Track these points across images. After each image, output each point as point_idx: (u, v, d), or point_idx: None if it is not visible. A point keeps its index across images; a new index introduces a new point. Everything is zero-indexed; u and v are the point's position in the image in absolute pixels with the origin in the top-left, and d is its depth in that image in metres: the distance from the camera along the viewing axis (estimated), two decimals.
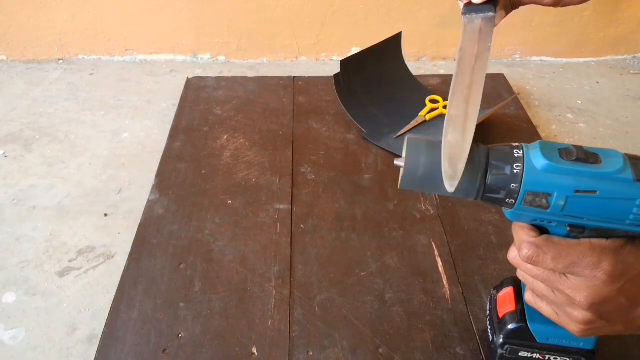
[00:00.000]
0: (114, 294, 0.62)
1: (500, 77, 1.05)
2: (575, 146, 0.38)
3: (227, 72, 1.14)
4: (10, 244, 0.73)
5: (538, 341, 0.48)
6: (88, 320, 0.63)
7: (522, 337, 0.48)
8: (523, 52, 1.19)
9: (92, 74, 1.14)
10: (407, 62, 0.96)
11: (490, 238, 0.69)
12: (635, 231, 0.38)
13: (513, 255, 0.42)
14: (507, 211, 0.40)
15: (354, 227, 0.71)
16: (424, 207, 0.73)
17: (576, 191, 0.37)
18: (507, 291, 0.51)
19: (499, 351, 0.50)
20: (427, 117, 0.90)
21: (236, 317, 0.59)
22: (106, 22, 1.14)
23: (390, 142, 0.85)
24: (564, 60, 1.20)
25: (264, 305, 0.60)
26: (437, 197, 0.75)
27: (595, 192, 0.37)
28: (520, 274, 0.44)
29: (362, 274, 0.64)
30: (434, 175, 0.39)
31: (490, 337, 0.51)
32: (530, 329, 0.47)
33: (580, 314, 0.40)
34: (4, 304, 0.65)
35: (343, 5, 1.12)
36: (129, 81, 1.12)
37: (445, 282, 0.63)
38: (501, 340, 0.49)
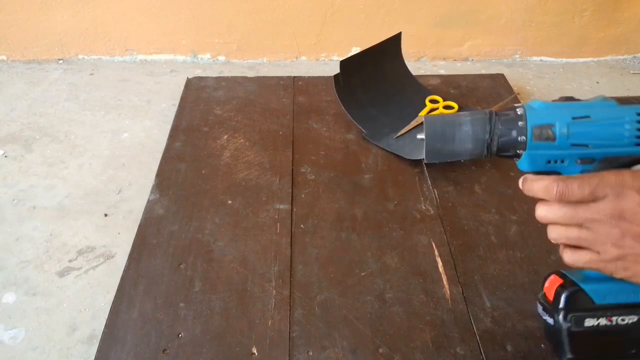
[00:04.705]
0: (114, 294, 0.62)
1: (500, 77, 1.05)
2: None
3: (227, 72, 1.14)
4: (10, 244, 0.73)
5: (597, 302, 0.46)
6: (88, 320, 0.63)
7: (579, 302, 0.46)
8: (523, 52, 1.19)
9: (92, 74, 1.14)
10: (407, 62, 0.96)
11: (490, 238, 0.69)
12: (636, 152, 0.43)
13: (543, 212, 0.44)
14: (522, 158, 0.44)
15: (354, 227, 0.71)
16: (424, 207, 0.73)
17: (573, 118, 0.42)
18: (551, 279, 0.49)
19: (565, 325, 0.46)
20: None
21: (236, 317, 0.59)
22: (106, 22, 1.14)
23: (390, 142, 0.85)
24: (564, 60, 1.20)
25: (264, 305, 0.60)
26: (437, 197, 0.75)
27: (589, 116, 0.42)
28: (552, 230, 0.45)
29: (362, 274, 0.64)
30: (457, 148, 0.45)
31: (552, 322, 0.48)
32: (585, 290, 0.46)
33: (616, 232, 0.41)
34: (4, 304, 0.65)
35: (343, 6, 1.12)
36: (129, 81, 1.12)
37: (445, 282, 0.63)
38: (562, 313, 0.46)
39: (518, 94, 1.03)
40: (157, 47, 1.18)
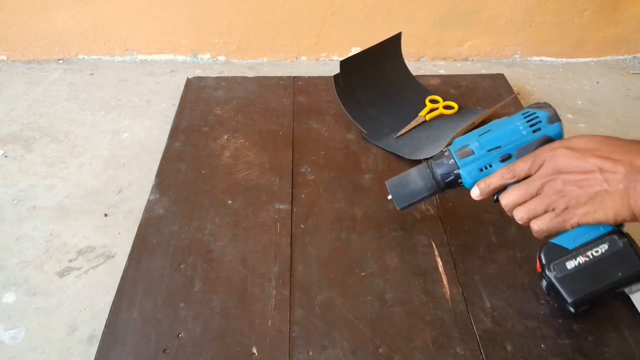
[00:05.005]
0: (114, 294, 0.62)
1: (500, 77, 1.05)
2: None
3: (227, 72, 1.14)
4: (10, 244, 0.73)
5: (570, 248, 0.54)
6: (88, 320, 0.63)
7: (556, 253, 0.54)
8: (523, 52, 1.19)
9: (92, 74, 1.14)
10: (407, 62, 0.97)
11: (490, 238, 0.68)
12: (538, 137, 0.56)
13: (506, 198, 0.54)
14: (462, 178, 0.59)
15: (354, 227, 0.71)
16: (424, 207, 0.73)
17: (479, 135, 0.58)
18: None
19: (552, 274, 0.54)
20: (427, 117, 0.90)
21: (236, 317, 0.59)
22: (106, 22, 1.14)
23: (391, 142, 0.85)
24: (564, 60, 1.20)
25: (264, 305, 0.60)
26: (437, 197, 0.75)
27: (490, 130, 0.58)
28: (517, 212, 0.54)
29: (362, 274, 0.64)
30: (412, 188, 0.63)
31: (546, 282, 0.55)
32: (556, 242, 0.55)
33: (558, 184, 0.50)
34: (4, 304, 0.65)
35: (343, 6, 1.12)
36: (129, 81, 1.12)
37: (445, 282, 0.63)
38: (546, 267, 0.54)
39: (518, 94, 1.03)
40: (157, 47, 1.18)
